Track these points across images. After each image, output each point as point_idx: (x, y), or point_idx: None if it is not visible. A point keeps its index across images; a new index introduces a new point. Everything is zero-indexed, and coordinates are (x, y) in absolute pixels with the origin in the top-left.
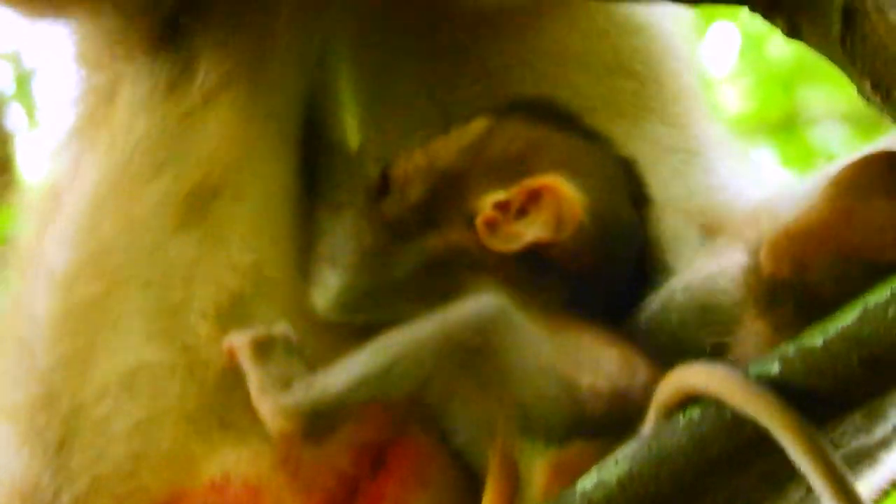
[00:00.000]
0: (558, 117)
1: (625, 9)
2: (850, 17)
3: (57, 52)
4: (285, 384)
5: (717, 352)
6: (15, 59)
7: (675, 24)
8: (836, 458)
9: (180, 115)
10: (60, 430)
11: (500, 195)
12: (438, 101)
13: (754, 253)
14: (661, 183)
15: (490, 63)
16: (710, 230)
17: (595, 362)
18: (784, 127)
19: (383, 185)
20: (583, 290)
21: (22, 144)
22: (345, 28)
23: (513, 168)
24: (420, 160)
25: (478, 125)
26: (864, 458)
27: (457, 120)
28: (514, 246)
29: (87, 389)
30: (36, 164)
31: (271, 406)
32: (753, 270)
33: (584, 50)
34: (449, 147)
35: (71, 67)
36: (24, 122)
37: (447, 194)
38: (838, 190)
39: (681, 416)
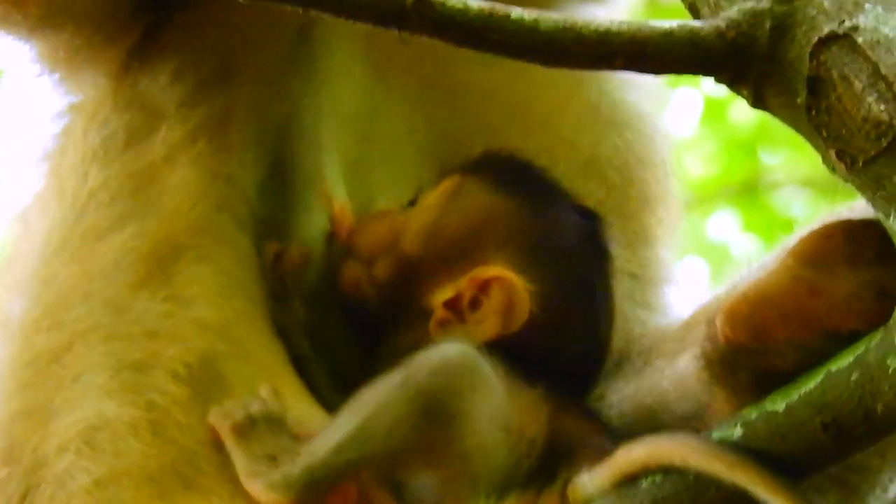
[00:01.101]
0: (521, 181)
1: (615, 89)
2: (816, 87)
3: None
4: (271, 461)
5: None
6: None
7: (662, 114)
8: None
9: (140, 169)
10: (22, 483)
11: (448, 292)
12: (424, 150)
13: (710, 322)
14: None
15: (478, 124)
16: (640, 355)
17: (534, 415)
18: (746, 191)
19: (347, 248)
20: (536, 364)
21: None
22: (323, 79)
23: (465, 252)
24: (384, 234)
25: (438, 195)
26: None
27: (434, 175)
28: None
29: (49, 443)
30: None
31: (262, 485)
32: (709, 338)
33: (569, 140)
34: (413, 224)
35: (26, 103)
36: None
37: (406, 285)
38: (799, 260)
39: (643, 481)
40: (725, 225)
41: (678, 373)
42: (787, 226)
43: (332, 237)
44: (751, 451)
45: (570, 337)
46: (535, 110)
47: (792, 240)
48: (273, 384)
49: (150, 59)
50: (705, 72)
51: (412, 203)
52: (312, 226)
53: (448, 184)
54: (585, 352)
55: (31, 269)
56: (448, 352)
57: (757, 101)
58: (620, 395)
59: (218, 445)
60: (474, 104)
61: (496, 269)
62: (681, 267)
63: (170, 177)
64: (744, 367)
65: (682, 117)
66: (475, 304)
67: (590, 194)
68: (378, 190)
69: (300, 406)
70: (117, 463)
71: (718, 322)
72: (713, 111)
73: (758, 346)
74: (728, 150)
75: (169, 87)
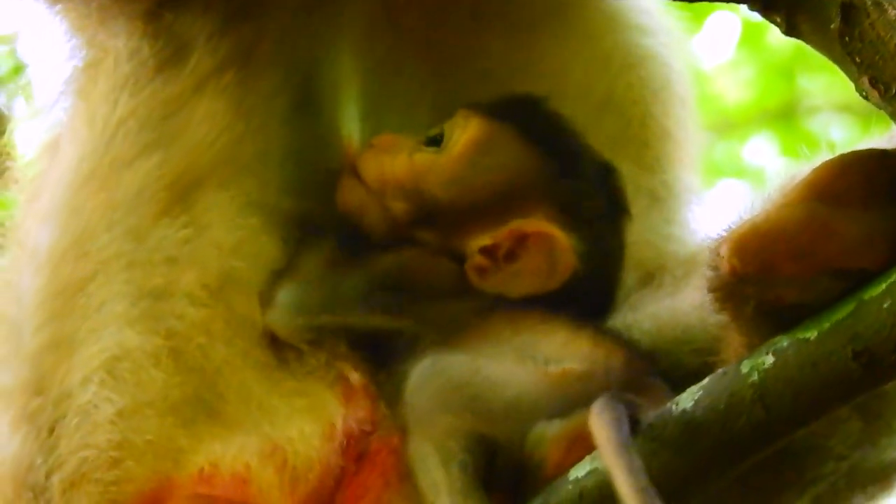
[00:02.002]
0: (553, 131)
1: (631, 37)
2: (849, 14)
3: (52, 32)
4: None
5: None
6: (11, 41)
7: (678, 55)
8: None
9: (169, 97)
10: (51, 414)
11: (485, 240)
12: (438, 101)
13: (714, 250)
14: None
15: (492, 71)
16: (659, 276)
17: (567, 349)
18: (784, 116)
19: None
20: (557, 305)
21: (20, 128)
22: (347, 25)
23: (502, 203)
24: (403, 173)
25: (469, 142)
26: (874, 478)
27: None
28: (505, 294)
29: (74, 374)
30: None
31: None
32: (712, 267)
33: (583, 81)
34: (441, 171)
35: (62, 44)
36: (22, 105)
37: (432, 223)
38: (813, 193)
39: (673, 406)
40: (762, 150)
41: (699, 302)
42: (826, 150)
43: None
44: (781, 380)
45: (600, 281)
46: (544, 66)
47: (807, 169)
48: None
49: None
50: None
51: (433, 142)
52: (332, 163)
53: (476, 128)
54: (607, 301)
55: (60, 198)
56: (423, 366)
57: (790, 29)
58: (649, 315)
59: (239, 370)
60: (483, 65)
61: (539, 224)
62: (715, 190)
63: (197, 107)
64: (748, 297)
65: (719, 42)
66: (511, 256)
67: (607, 129)
68: None
69: None
70: (139, 393)
71: (724, 251)
72: (751, 35)
73: (765, 279)
74: (766, 75)
75: (201, 17)
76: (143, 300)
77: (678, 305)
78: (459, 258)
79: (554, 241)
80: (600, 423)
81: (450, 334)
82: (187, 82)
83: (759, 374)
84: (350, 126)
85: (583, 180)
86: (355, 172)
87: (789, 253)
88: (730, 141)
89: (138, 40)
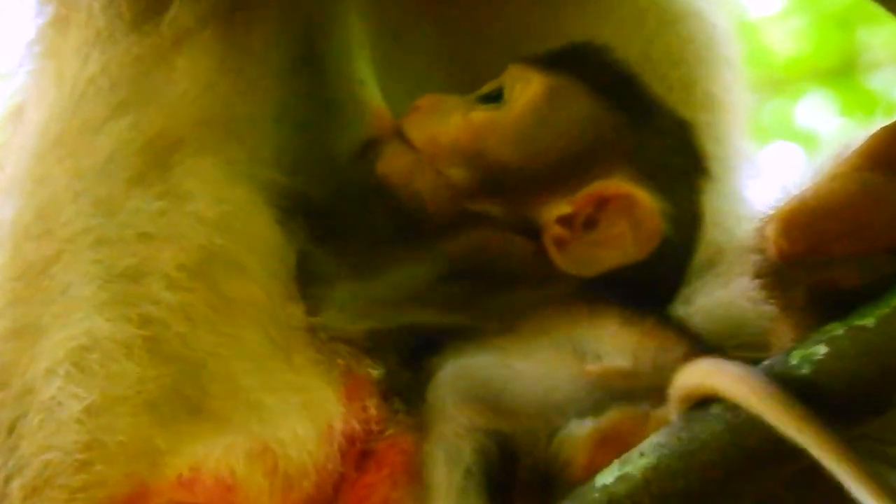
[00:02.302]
0: (624, 83)
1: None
2: None
3: None
4: None
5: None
6: None
7: (721, 13)
8: (871, 465)
9: (144, 52)
10: (13, 410)
11: (564, 207)
12: (452, 68)
13: (760, 231)
14: None
15: (512, 37)
16: (715, 262)
17: (615, 343)
18: (840, 72)
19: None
20: (630, 286)
21: None
22: None
23: (577, 164)
24: (460, 134)
25: (533, 98)
26: None
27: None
28: (588, 271)
29: (36, 366)
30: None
31: None
32: (760, 250)
33: (614, 43)
34: (505, 129)
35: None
36: None
37: (498, 191)
38: (867, 163)
39: (714, 405)
40: (817, 110)
41: (747, 288)
42: (887, 110)
43: (371, 142)
44: (836, 372)
45: (683, 250)
46: (569, 27)
47: (863, 135)
48: (279, 273)
49: None
50: None
51: (489, 99)
52: (345, 131)
53: (541, 82)
54: (682, 271)
55: (25, 166)
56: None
57: None
58: (699, 310)
59: (224, 360)
60: (501, 26)
61: (621, 185)
62: (764, 156)
63: (175, 62)
64: (798, 281)
65: None
66: (591, 223)
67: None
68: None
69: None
70: (110, 387)
71: (771, 231)
72: None
73: (815, 260)
74: (821, 26)
75: None
76: (113, 282)
77: (731, 296)
78: (533, 232)
79: (638, 204)
80: (732, 375)
81: (496, 329)
82: (165, 35)
83: (810, 365)
84: (367, 90)
85: (661, 136)
86: (401, 136)
87: (842, 230)
88: (780, 100)
89: None
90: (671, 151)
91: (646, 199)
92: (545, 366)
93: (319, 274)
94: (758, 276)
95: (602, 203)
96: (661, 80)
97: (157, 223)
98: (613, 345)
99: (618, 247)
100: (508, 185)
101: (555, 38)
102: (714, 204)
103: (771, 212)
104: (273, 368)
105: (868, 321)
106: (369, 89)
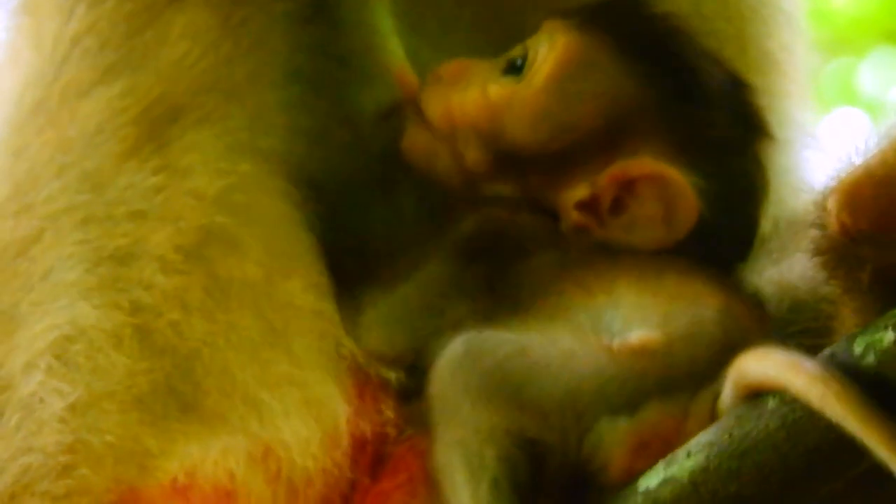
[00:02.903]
0: (661, 43)
1: None
2: None
3: None
4: None
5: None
6: None
7: None
8: None
9: (137, 9)
10: None
11: (582, 191)
12: (486, 22)
13: (821, 204)
14: None
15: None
16: (770, 237)
17: (646, 308)
18: None
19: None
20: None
21: None
22: None
23: (602, 140)
24: (476, 112)
25: (555, 66)
26: None
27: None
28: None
29: (15, 359)
30: None
31: None
32: (819, 225)
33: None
34: (523, 105)
35: None
36: None
37: (516, 174)
38: None
39: (770, 399)
40: (881, 72)
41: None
42: None
43: (395, 108)
44: (879, 387)
45: (732, 231)
46: None
47: None
48: (282, 250)
49: None
50: None
51: (513, 68)
52: (369, 96)
53: (565, 48)
54: (743, 239)
55: (0, 141)
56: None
57: None
58: (759, 281)
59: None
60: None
61: (648, 164)
62: (825, 123)
63: (175, 22)
64: (864, 261)
65: None
66: (618, 207)
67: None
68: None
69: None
70: (97, 382)
71: (832, 205)
72: None
73: (882, 237)
74: None
75: None
76: (102, 265)
77: (785, 276)
78: (555, 216)
79: (669, 183)
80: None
81: (510, 307)
82: None
83: (875, 354)
84: (389, 48)
85: (704, 101)
86: (420, 112)
87: None
88: (842, 61)
89: None
90: (717, 118)
91: (678, 178)
92: (566, 354)
93: (348, 285)
94: (817, 254)
95: (629, 184)
96: (713, 34)
97: (151, 201)
98: (646, 311)
99: (649, 230)
100: (525, 167)
101: None
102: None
103: (832, 183)
104: (268, 357)
105: None
106: (390, 43)
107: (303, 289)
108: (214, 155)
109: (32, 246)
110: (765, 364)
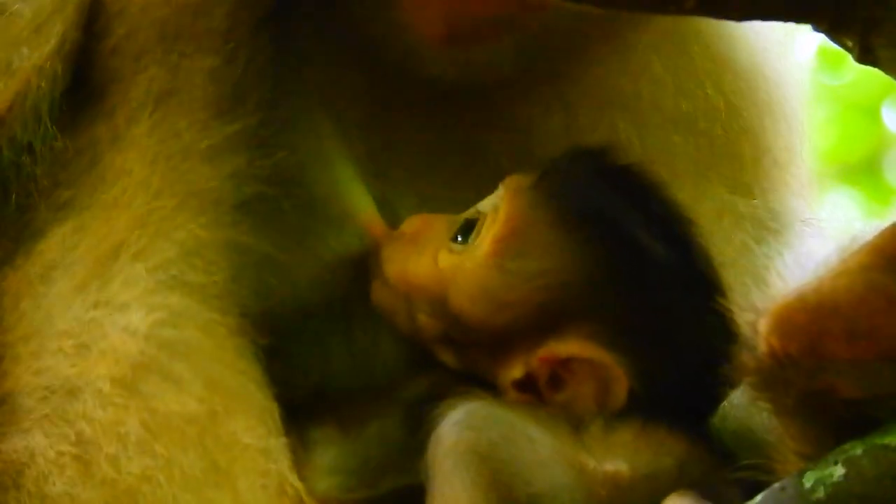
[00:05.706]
0: (605, 200)
1: (712, 52)
2: None
3: None
4: None
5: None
6: None
7: (782, 65)
8: None
9: (83, 147)
10: None
11: (517, 371)
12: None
13: (752, 325)
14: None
15: (516, 115)
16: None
17: (622, 448)
18: (866, 167)
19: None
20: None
21: None
22: (343, 102)
23: (535, 320)
24: (427, 279)
25: (498, 237)
26: None
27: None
28: None
29: None
30: None
31: None
32: (748, 346)
33: (635, 96)
34: (465, 280)
35: None
36: None
37: (458, 344)
38: (877, 260)
39: None
40: (842, 207)
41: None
42: None
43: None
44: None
45: (680, 376)
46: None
47: (870, 233)
48: (214, 375)
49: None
50: (799, 17)
51: (465, 232)
52: (335, 239)
53: (507, 221)
54: (701, 395)
55: None
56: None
57: (864, 54)
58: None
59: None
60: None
61: (575, 346)
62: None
63: (113, 160)
64: (791, 385)
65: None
66: (557, 383)
67: (684, 146)
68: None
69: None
70: None
71: (763, 327)
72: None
73: (809, 364)
74: (847, 115)
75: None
76: (53, 396)
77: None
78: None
79: (597, 365)
80: None
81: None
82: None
83: (825, 489)
84: (355, 193)
85: (642, 282)
86: (379, 274)
87: (843, 332)
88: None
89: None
90: (656, 298)
91: (606, 360)
92: (552, 456)
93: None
94: (746, 374)
95: (564, 363)
96: (699, 133)
97: (92, 335)
98: (621, 451)
99: (589, 404)
100: (468, 339)
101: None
102: (767, 263)
103: (766, 305)
104: (214, 499)
105: (891, 440)
106: (355, 189)
107: (247, 426)
108: (147, 289)
109: None
110: None
